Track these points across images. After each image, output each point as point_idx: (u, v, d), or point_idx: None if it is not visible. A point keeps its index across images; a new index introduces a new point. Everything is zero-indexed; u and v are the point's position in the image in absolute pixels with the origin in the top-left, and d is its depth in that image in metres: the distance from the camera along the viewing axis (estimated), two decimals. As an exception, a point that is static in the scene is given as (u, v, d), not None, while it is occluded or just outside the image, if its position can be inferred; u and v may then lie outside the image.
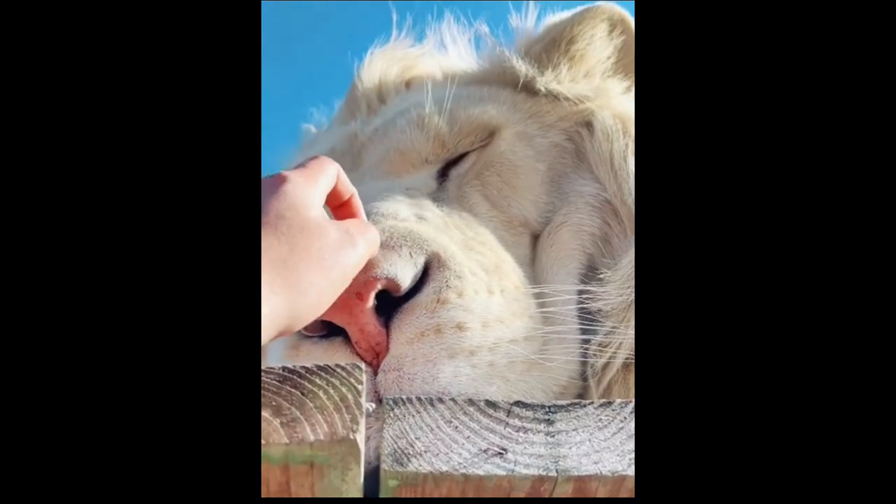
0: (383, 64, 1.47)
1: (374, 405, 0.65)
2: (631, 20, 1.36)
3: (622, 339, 0.91)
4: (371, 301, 0.80)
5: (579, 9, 1.37)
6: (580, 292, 0.96)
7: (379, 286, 0.80)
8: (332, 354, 0.80)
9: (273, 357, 0.89)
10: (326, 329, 0.82)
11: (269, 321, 0.57)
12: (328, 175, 0.74)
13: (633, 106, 1.24)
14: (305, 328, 0.81)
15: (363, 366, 0.64)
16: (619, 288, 0.94)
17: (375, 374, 0.79)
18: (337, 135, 1.38)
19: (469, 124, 1.18)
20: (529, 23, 1.41)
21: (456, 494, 0.66)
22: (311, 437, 0.57)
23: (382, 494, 0.65)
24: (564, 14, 1.39)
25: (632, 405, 0.71)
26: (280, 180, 0.68)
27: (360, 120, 1.38)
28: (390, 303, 0.83)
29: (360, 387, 0.61)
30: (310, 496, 0.63)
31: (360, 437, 0.59)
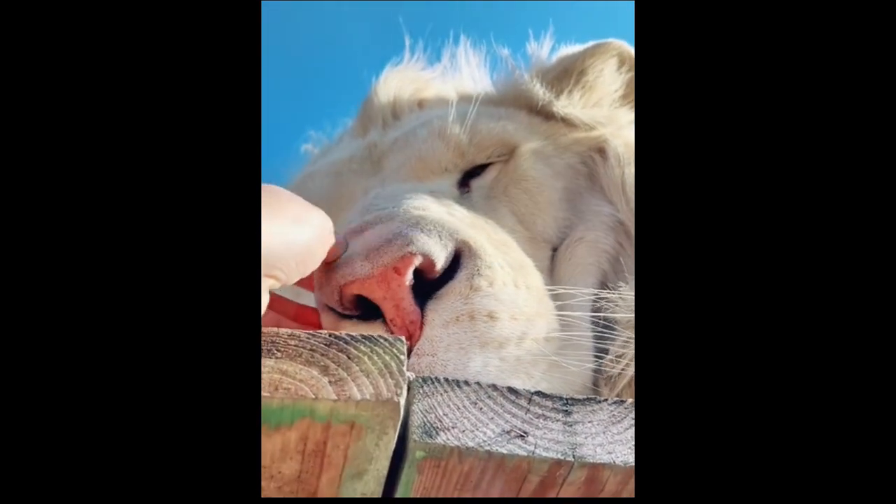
0: (398, 83, 1.54)
1: (414, 374, 0.69)
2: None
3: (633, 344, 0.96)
4: (409, 277, 0.83)
5: (592, 43, 1.46)
6: (596, 300, 1.01)
7: (416, 262, 0.83)
8: (366, 330, 0.83)
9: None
10: (362, 309, 0.85)
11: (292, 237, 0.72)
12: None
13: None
14: (342, 307, 0.85)
15: (404, 338, 0.68)
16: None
17: (408, 356, 0.83)
18: (353, 145, 1.44)
19: (489, 138, 1.26)
20: (544, 52, 1.49)
21: (477, 472, 0.70)
22: (358, 396, 0.61)
23: (407, 465, 0.69)
24: (577, 47, 1.47)
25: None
26: None
27: (377, 132, 1.44)
28: (423, 288, 0.86)
29: (402, 357, 0.65)
30: (342, 459, 0.66)
31: (402, 402, 0.63)
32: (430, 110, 1.45)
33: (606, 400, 0.77)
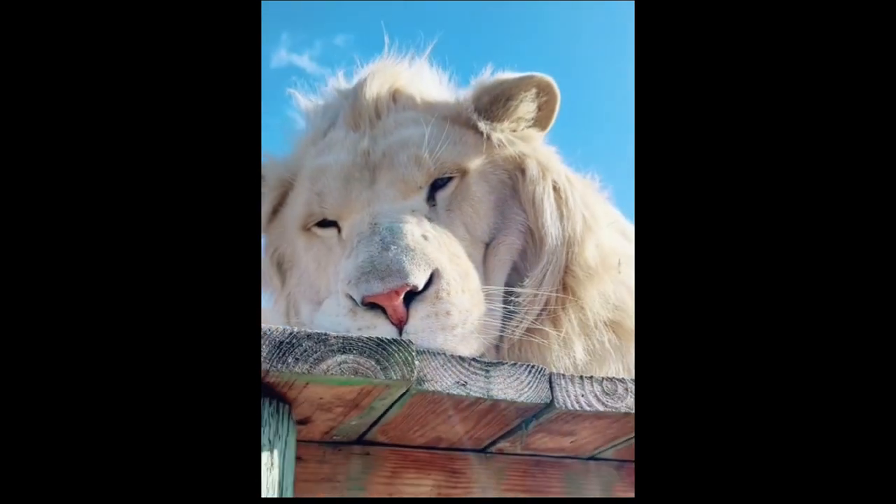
0: (379, 81, 2.11)
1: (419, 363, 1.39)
2: (554, 86, 2.07)
3: (522, 322, 1.71)
4: (402, 295, 1.54)
5: (520, 75, 2.09)
6: (507, 293, 1.73)
7: (408, 288, 1.55)
8: (376, 318, 1.55)
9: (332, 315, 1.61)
10: (371, 304, 1.56)
11: None
12: None
13: (553, 155, 2.01)
14: (362, 302, 1.53)
15: (412, 341, 1.37)
16: (529, 292, 1.72)
17: (400, 333, 1.54)
18: (350, 144, 2.01)
19: (450, 163, 1.91)
20: (486, 74, 2.09)
21: (441, 401, 1.42)
22: (394, 377, 1.30)
23: (408, 397, 1.40)
24: (512, 75, 2.08)
25: (526, 366, 1.48)
26: None
27: (368, 135, 2.01)
28: (409, 295, 1.57)
29: (412, 353, 1.35)
30: (367, 403, 1.37)
31: (414, 379, 1.33)
32: (403, 115, 2.04)
33: (505, 363, 1.50)
